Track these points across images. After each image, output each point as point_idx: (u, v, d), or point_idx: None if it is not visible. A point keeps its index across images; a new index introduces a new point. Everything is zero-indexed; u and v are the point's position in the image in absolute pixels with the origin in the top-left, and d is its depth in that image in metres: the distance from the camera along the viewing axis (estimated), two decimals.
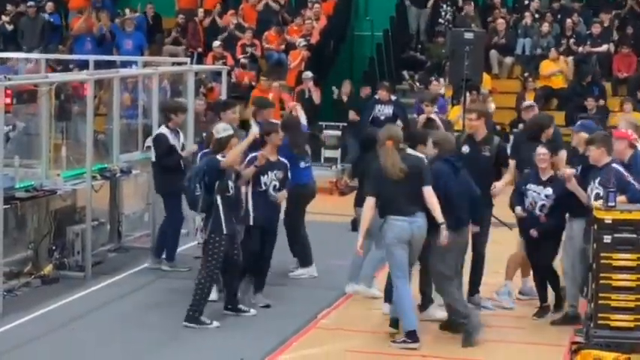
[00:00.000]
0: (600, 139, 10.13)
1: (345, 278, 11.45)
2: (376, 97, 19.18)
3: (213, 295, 10.66)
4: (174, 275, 12.35)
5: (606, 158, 10.00)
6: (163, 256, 12.64)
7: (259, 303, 10.91)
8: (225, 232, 10.13)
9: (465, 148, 10.87)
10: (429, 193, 9.65)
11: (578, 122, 11.99)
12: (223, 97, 16.50)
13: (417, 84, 22.92)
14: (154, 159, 12.59)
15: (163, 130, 12.51)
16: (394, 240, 9.64)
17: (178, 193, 12.46)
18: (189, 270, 12.34)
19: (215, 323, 10.25)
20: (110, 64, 16.82)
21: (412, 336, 9.66)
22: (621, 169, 9.90)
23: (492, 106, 16.29)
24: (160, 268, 12.53)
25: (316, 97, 20.90)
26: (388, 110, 18.95)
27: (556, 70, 21.99)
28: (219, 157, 10.18)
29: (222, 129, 10.35)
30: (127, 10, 24.67)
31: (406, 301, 9.72)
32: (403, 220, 9.62)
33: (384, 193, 9.69)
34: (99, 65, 16.60)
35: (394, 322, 9.93)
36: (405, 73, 23.76)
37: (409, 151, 9.88)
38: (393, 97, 19.41)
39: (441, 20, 24.20)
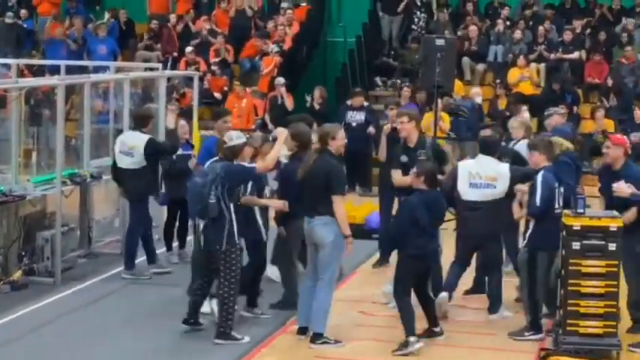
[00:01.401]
0: (543, 145, 10.28)
1: None
2: (348, 103, 19.22)
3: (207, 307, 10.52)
4: (144, 281, 12.30)
5: (543, 163, 10.14)
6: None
7: (261, 314, 10.84)
8: (237, 241, 9.92)
9: (404, 158, 10.92)
10: (335, 201, 9.74)
11: (551, 127, 12.05)
12: (195, 102, 16.50)
13: (391, 90, 22.99)
14: (126, 165, 12.50)
15: (145, 135, 12.49)
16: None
17: (147, 199, 12.50)
18: (150, 278, 12.36)
19: (246, 338, 10.00)
20: (82, 70, 16.76)
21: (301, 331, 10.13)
22: (540, 178, 10.00)
23: (526, 116, 16.33)
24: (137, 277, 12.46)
25: (289, 103, 20.89)
26: (360, 117, 19.03)
27: (522, 77, 22.08)
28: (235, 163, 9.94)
29: (235, 136, 10.11)
30: (107, 14, 24.65)
31: (302, 297, 10.12)
32: (304, 221, 9.97)
33: (302, 192, 10.02)
34: (71, 70, 16.54)
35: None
36: (377, 79, 23.80)
37: (330, 157, 9.90)
38: (366, 104, 19.50)
39: (414, 27, 24.28)
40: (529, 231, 10.20)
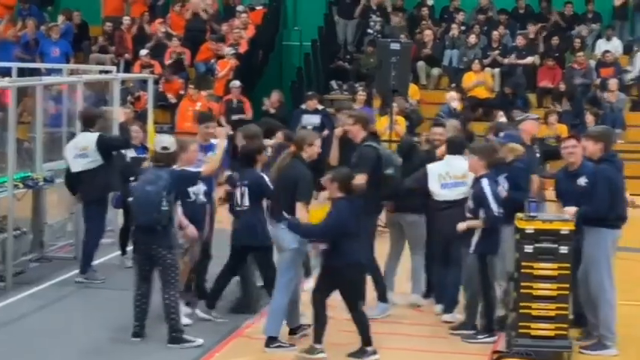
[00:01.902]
0: (482, 151, 10.33)
1: None
2: (303, 107, 19.23)
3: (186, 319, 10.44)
4: (96, 286, 12.21)
5: (482, 170, 10.20)
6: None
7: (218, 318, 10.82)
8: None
9: (353, 159, 10.99)
10: (297, 208, 9.73)
11: (503, 133, 12.07)
12: (150, 105, 16.43)
13: (347, 94, 23.03)
14: (82, 167, 12.40)
15: (94, 134, 12.41)
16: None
17: (104, 201, 12.42)
18: (104, 282, 12.27)
19: (200, 340, 9.96)
20: (35, 72, 16.62)
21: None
22: (486, 186, 10.04)
23: (503, 120, 16.26)
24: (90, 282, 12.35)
25: (247, 109, 20.91)
26: (315, 120, 19.02)
27: (477, 82, 22.22)
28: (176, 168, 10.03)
29: (174, 141, 10.19)
30: (60, 17, 24.47)
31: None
32: (271, 224, 10.01)
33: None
34: (24, 73, 16.40)
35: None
36: (333, 83, 23.85)
37: (300, 164, 9.95)
38: (320, 107, 19.51)
39: (370, 31, 24.35)
40: (476, 237, 10.21)
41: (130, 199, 10.48)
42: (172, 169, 9.96)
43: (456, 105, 19.56)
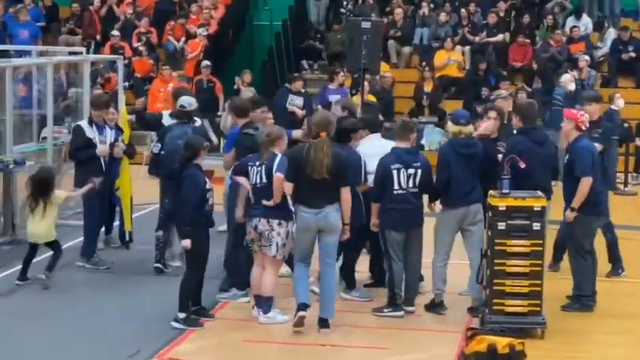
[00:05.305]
0: (394, 129, 10.64)
1: None
2: (287, 86, 19.13)
3: None
4: (70, 269, 12.12)
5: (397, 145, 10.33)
6: None
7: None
8: None
9: None
10: (345, 194, 9.77)
11: (450, 114, 12.10)
12: (120, 87, 16.32)
13: (317, 73, 22.99)
14: None
15: (82, 123, 12.30)
16: (299, 228, 9.88)
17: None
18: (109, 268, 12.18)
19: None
20: (4, 54, 16.48)
21: (302, 306, 9.86)
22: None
23: (621, 103, 15.86)
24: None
25: (217, 89, 20.88)
26: (299, 101, 18.92)
27: (449, 60, 22.22)
28: None
29: (193, 101, 11.68)
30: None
31: (300, 282, 9.98)
32: (309, 212, 9.78)
33: (300, 183, 9.73)
34: None
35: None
36: (304, 62, 23.80)
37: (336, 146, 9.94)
38: (303, 90, 19.41)
39: (342, 10, 24.33)
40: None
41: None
42: (194, 125, 11.39)
43: (573, 88, 18.46)
